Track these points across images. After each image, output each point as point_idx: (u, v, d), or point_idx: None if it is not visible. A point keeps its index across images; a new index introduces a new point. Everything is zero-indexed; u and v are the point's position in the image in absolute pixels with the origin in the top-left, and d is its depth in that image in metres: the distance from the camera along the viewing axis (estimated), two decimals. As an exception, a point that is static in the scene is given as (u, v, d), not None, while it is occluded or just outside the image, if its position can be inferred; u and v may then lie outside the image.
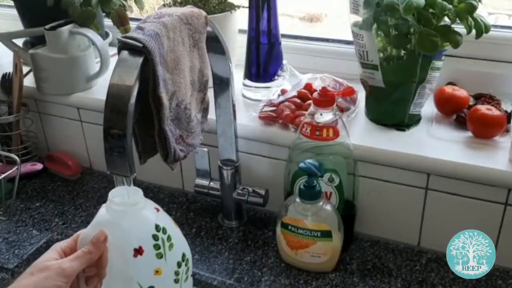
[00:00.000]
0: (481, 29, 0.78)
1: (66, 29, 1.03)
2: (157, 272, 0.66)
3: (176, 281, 0.68)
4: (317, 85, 0.92)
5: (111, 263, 0.64)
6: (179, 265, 0.68)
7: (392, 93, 0.86)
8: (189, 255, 0.70)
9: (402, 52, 0.83)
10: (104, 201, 0.67)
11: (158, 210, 0.68)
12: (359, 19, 0.84)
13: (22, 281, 0.59)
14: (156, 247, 0.65)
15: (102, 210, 0.66)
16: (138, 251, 0.64)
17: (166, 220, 0.68)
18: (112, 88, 0.61)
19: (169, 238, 0.66)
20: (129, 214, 0.65)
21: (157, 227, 0.65)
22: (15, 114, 1.08)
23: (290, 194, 0.85)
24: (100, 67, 1.07)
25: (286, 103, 0.93)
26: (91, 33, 1.04)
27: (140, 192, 0.66)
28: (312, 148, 0.81)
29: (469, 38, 0.79)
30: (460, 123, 0.88)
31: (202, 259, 0.89)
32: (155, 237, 0.65)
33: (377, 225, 0.91)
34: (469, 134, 0.86)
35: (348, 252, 0.89)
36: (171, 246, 0.66)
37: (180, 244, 0.69)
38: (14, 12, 1.21)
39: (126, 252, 0.64)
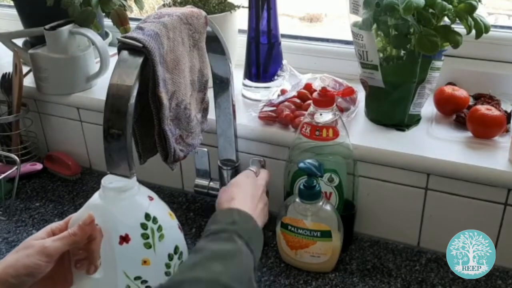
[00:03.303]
0: (481, 29, 0.78)
1: (66, 29, 1.03)
2: (145, 262, 0.64)
3: (167, 273, 0.66)
4: (317, 85, 0.92)
5: None
6: (170, 257, 0.66)
7: (392, 93, 0.86)
8: (183, 248, 0.68)
9: (402, 52, 0.83)
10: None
11: (152, 198, 0.67)
12: (359, 19, 0.84)
13: (7, 257, 0.61)
14: (144, 236, 0.63)
15: (95, 195, 0.65)
16: (124, 239, 0.62)
17: (159, 210, 0.66)
18: (112, 88, 0.61)
19: (159, 229, 0.65)
20: (119, 200, 0.64)
21: (147, 216, 0.64)
22: (15, 114, 1.08)
23: (290, 194, 0.85)
24: (100, 67, 1.07)
25: (286, 103, 0.93)
26: (91, 33, 1.04)
27: (133, 178, 0.65)
28: (312, 148, 0.81)
29: (469, 38, 0.79)
30: (460, 123, 0.88)
31: (202, 259, 0.89)
32: (143, 226, 0.63)
33: (376, 225, 0.91)
34: (469, 134, 0.86)
35: (347, 252, 0.89)
36: (161, 237, 0.65)
37: (173, 236, 0.67)
38: (14, 12, 1.21)
39: (111, 238, 0.63)
